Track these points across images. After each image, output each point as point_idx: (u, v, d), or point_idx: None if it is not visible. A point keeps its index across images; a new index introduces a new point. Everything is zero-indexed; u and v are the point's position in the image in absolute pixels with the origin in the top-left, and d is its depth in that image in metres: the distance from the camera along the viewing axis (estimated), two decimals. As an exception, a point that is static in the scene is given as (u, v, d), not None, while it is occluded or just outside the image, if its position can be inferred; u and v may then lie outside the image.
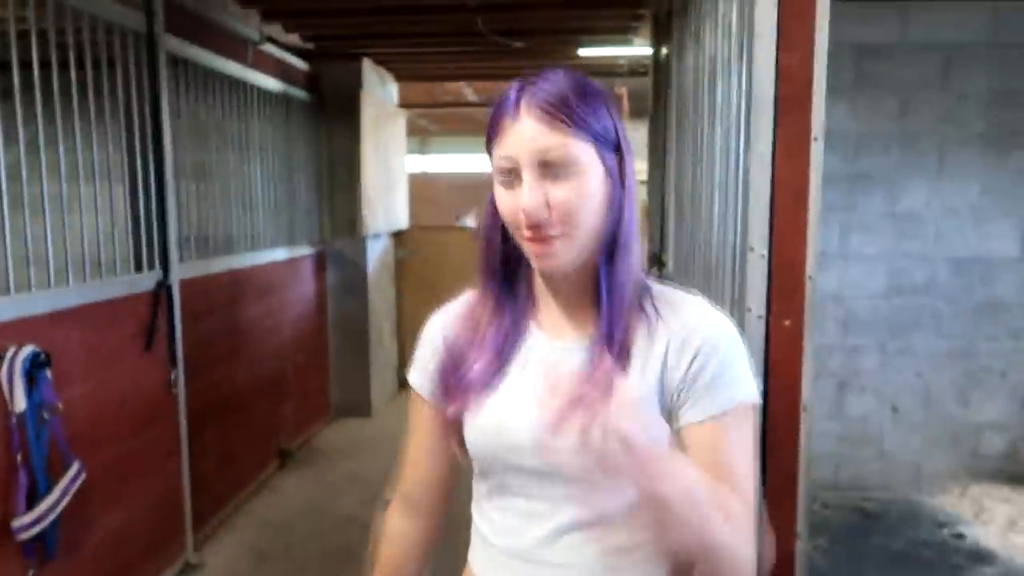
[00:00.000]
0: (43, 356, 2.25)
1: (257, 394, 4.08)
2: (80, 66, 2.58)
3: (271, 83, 4.29)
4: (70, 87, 2.54)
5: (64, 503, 2.29)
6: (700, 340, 0.92)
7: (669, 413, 0.93)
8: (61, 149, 2.50)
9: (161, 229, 3.05)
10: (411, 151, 7.19)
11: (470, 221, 6.47)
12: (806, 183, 1.52)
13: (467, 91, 6.98)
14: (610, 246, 0.94)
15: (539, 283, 1.01)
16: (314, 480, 4.26)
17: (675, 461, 0.82)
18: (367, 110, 5.03)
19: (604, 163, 0.92)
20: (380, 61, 5.41)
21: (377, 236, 5.43)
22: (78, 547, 2.48)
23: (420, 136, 9.29)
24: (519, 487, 0.97)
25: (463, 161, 9.48)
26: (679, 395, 0.92)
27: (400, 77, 6.02)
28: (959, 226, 3.72)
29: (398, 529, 1.12)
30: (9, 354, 2.17)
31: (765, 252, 1.54)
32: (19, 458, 2.18)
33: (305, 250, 4.83)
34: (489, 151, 0.95)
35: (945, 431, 3.83)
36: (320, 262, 5.10)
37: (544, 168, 0.89)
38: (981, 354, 3.78)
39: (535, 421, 0.89)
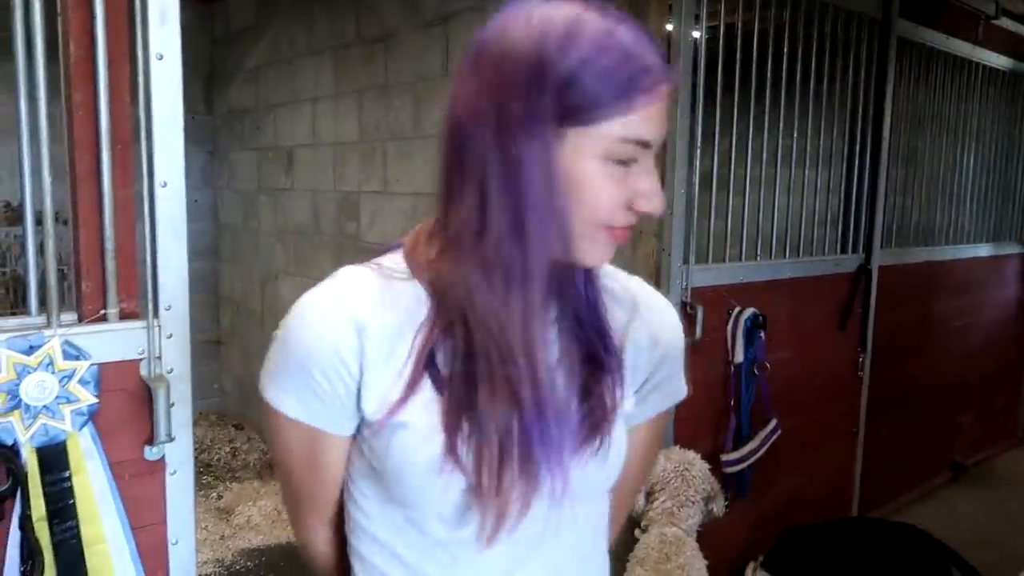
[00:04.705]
0: (761, 318, 2.53)
1: (936, 396, 3.81)
2: (815, 56, 2.76)
3: (999, 60, 3.87)
4: (795, 77, 2.74)
5: (761, 452, 2.55)
6: (668, 338, 0.87)
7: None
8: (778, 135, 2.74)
9: (869, 214, 3.08)
10: None
11: None
12: None
13: None
14: None
15: None
16: (991, 505, 3.79)
17: None
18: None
19: None
20: None
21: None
22: (761, 494, 2.74)
23: None
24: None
25: None
26: (634, 394, 0.87)
27: None
28: None
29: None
30: (735, 312, 2.50)
31: None
32: (732, 403, 2.51)
33: (1012, 249, 4.27)
34: (591, 119, 0.70)
35: None
36: (1027, 264, 4.44)
37: None
38: None
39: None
